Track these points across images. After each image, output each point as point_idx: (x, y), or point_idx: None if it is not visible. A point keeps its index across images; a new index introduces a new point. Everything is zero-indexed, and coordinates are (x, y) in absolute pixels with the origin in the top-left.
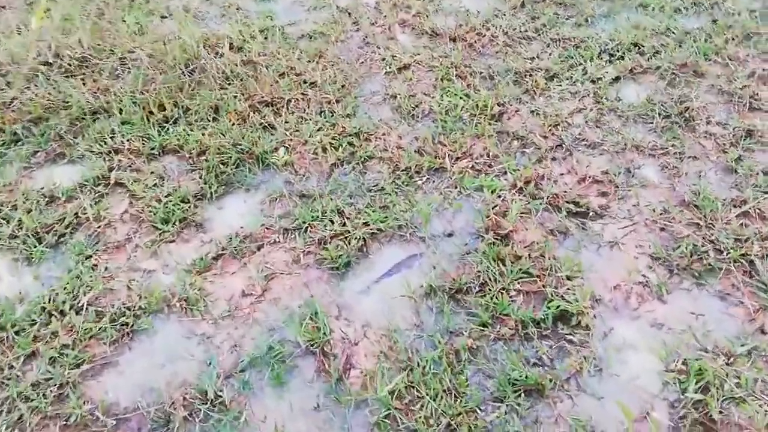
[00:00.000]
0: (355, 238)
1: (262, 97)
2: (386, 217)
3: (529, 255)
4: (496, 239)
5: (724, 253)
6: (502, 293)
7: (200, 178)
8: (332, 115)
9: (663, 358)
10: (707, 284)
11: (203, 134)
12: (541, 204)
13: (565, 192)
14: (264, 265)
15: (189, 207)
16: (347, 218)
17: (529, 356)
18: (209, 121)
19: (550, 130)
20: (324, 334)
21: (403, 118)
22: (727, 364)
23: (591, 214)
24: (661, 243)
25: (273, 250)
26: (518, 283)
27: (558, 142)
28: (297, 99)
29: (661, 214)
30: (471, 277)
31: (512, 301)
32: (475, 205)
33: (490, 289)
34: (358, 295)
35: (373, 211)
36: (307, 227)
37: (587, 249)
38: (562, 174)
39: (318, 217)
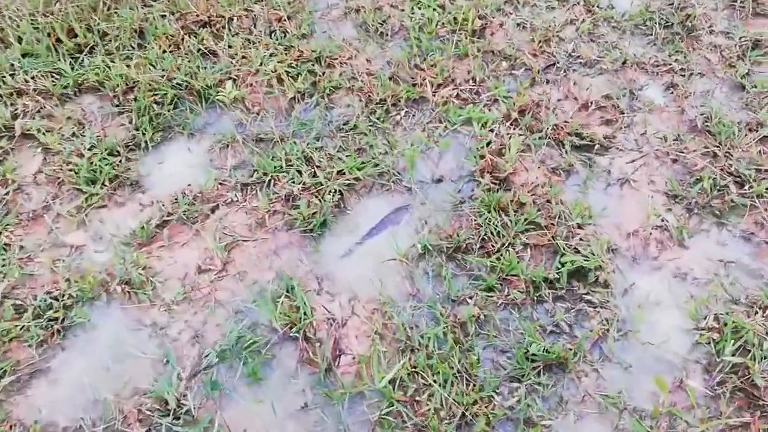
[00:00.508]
0: (330, 191)
1: (198, 15)
2: (363, 163)
3: (533, 201)
4: (494, 183)
5: (746, 187)
6: (507, 249)
7: (130, 122)
8: (285, 36)
9: (692, 315)
10: (730, 223)
11: (128, 66)
12: (541, 139)
13: (566, 122)
14: (222, 231)
15: (120, 161)
16: (317, 167)
17: (545, 323)
18: (133, 48)
19: (540, 46)
20: (304, 314)
21: (370, 36)
22: (764, 317)
23: (597, 146)
24: (676, 177)
25: (231, 212)
26: (524, 236)
27: (551, 60)
28: (240, 17)
29: (672, 143)
30: (470, 232)
31: (520, 258)
32: (465, 143)
33: (493, 246)
34: (339, 262)
35: (347, 156)
36: (270, 180)
37: (595, 189)
38: (560, 100)
39: (281, 167)
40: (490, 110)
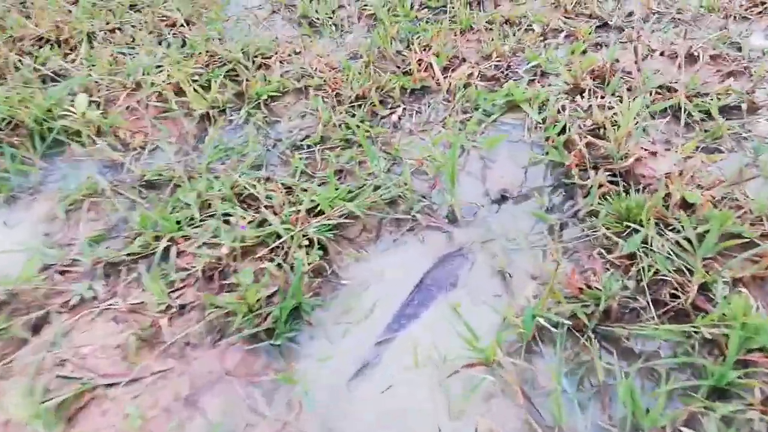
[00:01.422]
0: (298, 243)
1: (41, 35)
2: (357, 189)
3: (711, 200)
4: (613, 180)
5: None
6: (709, 297)
7: None
8: (183, 45)
9: None
10: None
11: None
12: (647, 107)
13: (676, 81)
14: (54, 370)
15: None
16: (266, 206)
17: None
18: None
19: (574, 8)
20: None
21: (318, 31)
22: None
23: (746, 107)
24: None
25: (79, 325)
26: (721, 263)
27: (596, 20)
28: (111, 30)
29: None
30: (615, 278)
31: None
32: (517, 136)
33: (675, 296)
34: (350, 397)
35: (320, 185)
36: (166, 248)
37: None
38: (644, 58)
39: (191, 218)
40: (542, 85)
